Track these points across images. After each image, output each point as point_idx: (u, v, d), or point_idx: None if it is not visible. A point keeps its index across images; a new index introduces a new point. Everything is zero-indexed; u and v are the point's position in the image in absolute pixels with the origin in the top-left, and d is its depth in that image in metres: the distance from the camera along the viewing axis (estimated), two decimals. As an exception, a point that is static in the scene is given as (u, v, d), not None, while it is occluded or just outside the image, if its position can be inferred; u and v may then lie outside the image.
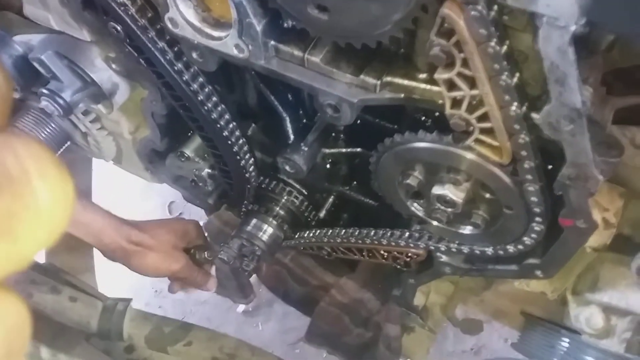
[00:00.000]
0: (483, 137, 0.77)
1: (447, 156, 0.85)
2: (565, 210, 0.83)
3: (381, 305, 1.41)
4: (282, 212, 1.29)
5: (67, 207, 0.32)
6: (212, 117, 1.06)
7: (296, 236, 1.30)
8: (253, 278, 1.48)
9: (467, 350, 2.44)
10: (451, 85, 0.72)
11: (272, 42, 0.83)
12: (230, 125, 1.09)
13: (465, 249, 1.02)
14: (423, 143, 0.86)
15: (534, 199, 0.84)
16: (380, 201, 1.11)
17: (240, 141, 1.13)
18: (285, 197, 1.28)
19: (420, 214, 1.00)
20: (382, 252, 1.15)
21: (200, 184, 1.32)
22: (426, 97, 0.79)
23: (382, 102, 0.82)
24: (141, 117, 1.26)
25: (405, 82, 0.79)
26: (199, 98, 1.03)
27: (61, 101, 1.17)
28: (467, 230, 0.99)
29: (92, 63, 1.16)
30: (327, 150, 1.15)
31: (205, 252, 1.50)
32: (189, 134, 1.27)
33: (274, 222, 1.29)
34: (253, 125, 1.23)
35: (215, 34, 0.86)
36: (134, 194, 2.74)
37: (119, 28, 0.95)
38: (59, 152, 1.44)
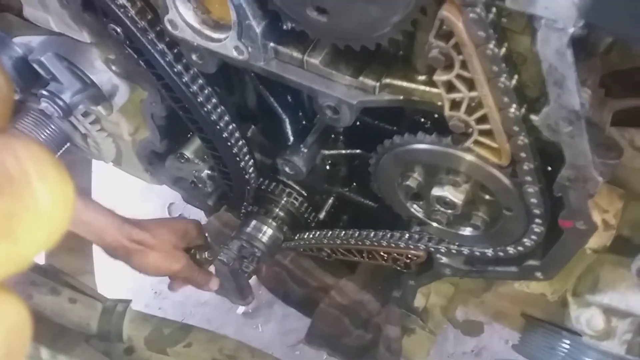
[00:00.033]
0: (482, 139, 0.77)
1: (446, 158, 0.85)
2: (565, 212, 0.83)
3: (381, 307, 1.41)
4: (281, 214, 1.29)
5: (67, 208, 0.32)
6: (212, 118, 1.06)
7: (296, 237, 1.30)
8: (253, 279, 1.48)
9: (467, 351, 2.44)
10: (450, 87, 0.72)
11: (272, 44, 0.83)
12: (230, 127, 1.09)
13: (465, 251, 1.02)
14: (422, 145, 0.86)
15: (533, 200, 0.84)
16: (380, 203, 1.11)
17: (240, 143, 1.13)
18: (285, 199, 1.28)
19: (420, 215, 1.00)
20: (382, 253, 1.15)
21: (200, 186, 1.32)
22: (425, 98, 0.79)
23: (381, 103, 0.82)
24: (141, 118, 1.26)
25: (404, 83, 0.79)
26: (199, 100, 1.03)
27: (61, 103, 1.18)
28: (467, 231, 0.99)
29: (92, 65, 1.16)
30: (327, 152, 1.15)
31: (206, 252, 1.50)
32: (189, 135, 1.27)
33: (274, 223, 1.29)
34: (253, 126, 1.23)
35: (215, 35, 0.86)
36: (134, 196, 2.74)
37: (118, 30, 0.96)
38: (59, 154, 1.44)
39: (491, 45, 0.64)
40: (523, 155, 0.76)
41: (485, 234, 0.96)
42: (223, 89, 1.09)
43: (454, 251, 1.04)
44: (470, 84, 0.70)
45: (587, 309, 1.10)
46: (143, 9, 0.92)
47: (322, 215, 1.30)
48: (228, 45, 0.85)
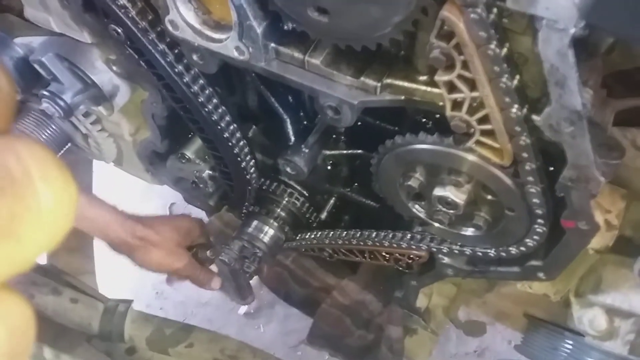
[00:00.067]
0: (484, 139, 0.77)
1: (448, 158, 0.84)
2: (567, 212, 0.83)
3: (383, 307, 1.41)
4: (283, 214, 1.29)
5: (69, 209, 0.32)
6: (213, 119, 1.06)
7: (297, 238, 1.30)
8: (255, 279, 1.48)
9: (470, 352, 2.44)
10: (451, 87, 0.72)
11: (273, 45, 0.83)
12: (231, 127, 1.09)
13: (468, 251, 1.02)
14: (424, 145, 0.86)
15: (535, 200, 0.83)
16: (382, 203, 1.11)
17: (241, 143, 1.13)
18: (286, 199, 1.28)
19: (422, 215, 1.00)
20: (383, 253, 1.15)
21: (201, 186, 1.32)
22: (427, 99, 0.79)
23: (382, 104, 0.82)
24: (142, 118, 1.26)
25: (406, 84, 0.79)
26: (200, 100, 1.03)
27: (62, 103, 1.18)
28: (469, 231, 0.99)
29: (93, 65, 1.16)
30: (328, 152, 1.15)
31: (208, 251, 1.50)
32: (190, 135, 1.27)
33: (275, 223, 1.29)
34: (254, 127, 1.23)
35: (216, 36, 0.86)
36: (135, 196, 2.74)
37: (119, 30, 0.96)
38: (60, 154, 1.44)
39: (492, 46, 0.64)
40: (525, 155, 0.76)
41: (488, 234, 0.96)
42: (224, 89, 1.09)
43: (456, 251, 1.03)
44: (472, 84, 0.70)
45: (590, 309, 1.10)
46: (144, 9, 0.92)
47: (323, 216, 1.30)
48: (229, 45, 0.84)
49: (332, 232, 1.21)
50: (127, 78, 1.19)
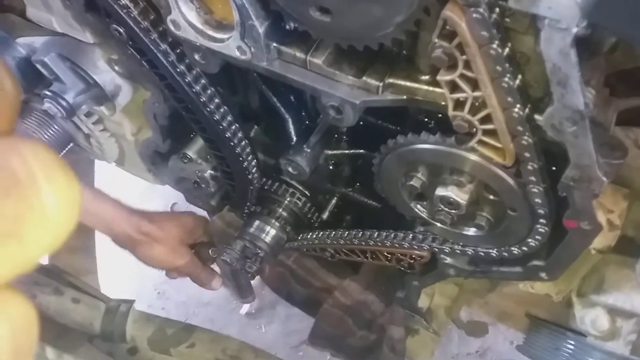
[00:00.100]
0: (486, 139, 0.77)
1: (450, 158, 0.84)
2: (570, 212, 0.83)
3: (385, 308, 1.41)
4: (284, 214, 1.29)
5: (73, 209, 0.32)
6: (215, 118, 1.06)
7: (299, 238, 1.30)
8: (256, 279, 1.48)
9: (472, 352, 2.43)
10: (454, 87, 0.72)
11: (275, 44, 0.83)
12: (233, 127, 1.09)
13: (470, 251, 1.02)
14: (426, 145, 0.85)
15: (538, 200, 0.83)
16: (384, 203, 1.11)
17: (243, 143, 1.13)
18: (288, 199, 1.28)
19: (424, 215, 1.00)
20: (385, 253, 1.15)
21: (203, 186, 1.32)
22: (429, 98, 0.79)
23: (384, 103, 0.82)
24: (143, 118, 1.26)
25: (408, 83, 0.79)
26: (202, 100, 1.03)
27: (64, 103, 1.18)
28: (471, 231, 0.98)
29: (95, 65, 1.17)
30: (330, 152, 1.15)
31: (210, 250, 1.50)
32: (192, 135, 1.27)
33: (277, 223, 1.29)
34: (255, 126, 1.23)
35: (218, 36, 0.86)
36: (136, 196, 2.74)
37: (121, 30, 0.96)
38: (62, 154, 1.44)
39: (494, 45, 0.64)
40: (527, 155, 0.76)
41: (490, 234, 0.96)
42: (226, 89, 1.09)
43: (458, 251, 1.03)
44: (474, 84, 0.70)
45: (592, 309, 1.10)
46: (146, 9, 0.92)
47: (325, 216, 1.30)
48: (231, 45, 0.84)
49: (333, 232, 1.21)
50: (129, 78, 1.19)
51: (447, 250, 1.05)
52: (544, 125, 0.71)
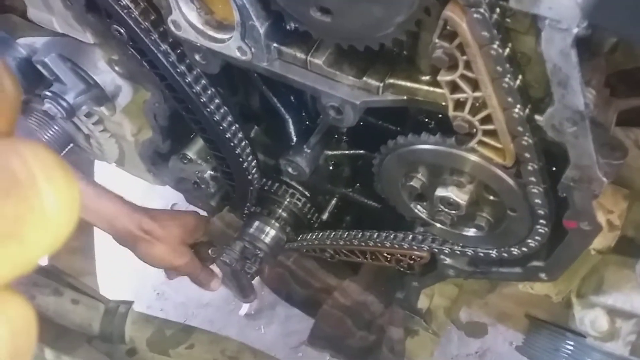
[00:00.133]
0: (486, 139, 0.77)
1: (450, 158, 0.84)
2: (570, 213, 0.83)
3: (384, 308, 1.41)
4: (284, 215, 1.29)
5: (73, 210, 0.32)
6: (215, 119, 1.06)
7: (299, 238, 1.30)
8: (256, 280, 1.47)
9: (471, 353, 2.43)
10: (454, 87, 0.72)
11: (275, 45, 0.83)
12: (233, 127, 1.09)
13: (469, 252, 1.02)
14: (426, 145, 0.86)
15: (537, 201, 0.83)
16: (383, 203, 1.11)
17: (243, 143, 1.13)
18: (288, 199, 1.28)
19: (424, 216, 1.00)
20: (385, 254, 1.15)
21: (203, 186, 1.32)
22: (429, 99, 0.79)
23: (385, 104, 0.82)
24: (144, 119, 1.26)
25: (408, 84, 0.79)
26: (202, 100, 1.03)
27: (64, 103, 1.18)
28: (471, 232, 0.99)
29: (95, 65, 1.17)
30: (330, 152, 1.15)
31: (210, 250, 1.49)
32: (192, 136, 1.27)
33: (277, 224, 1.29)
34: (256, 127, 1.23)
35: (218, 36, 0.86)
36: (136, 196, 2.73)
37: (122, 31, 0.96)
38: (62, 154, 1.44)
39: (495, 46, 0.64)
40: (527, 155, 0.76)
41: (490, 235, 0.96)
42: (226, 89, 1.09)
43: (457, 252, 1.03)
44: (474, 84, 0.70)
45: (592, 310, 1.10)
46: (146, 9, 0.92)
47: (325, 216, 1.30)
48: (231, 45, 0.85)
49: (333, 233, 1.21)
50: (129, 78, 1.19)
51: (446, 251, 1.05)
52: (544, 125, 0.71)
